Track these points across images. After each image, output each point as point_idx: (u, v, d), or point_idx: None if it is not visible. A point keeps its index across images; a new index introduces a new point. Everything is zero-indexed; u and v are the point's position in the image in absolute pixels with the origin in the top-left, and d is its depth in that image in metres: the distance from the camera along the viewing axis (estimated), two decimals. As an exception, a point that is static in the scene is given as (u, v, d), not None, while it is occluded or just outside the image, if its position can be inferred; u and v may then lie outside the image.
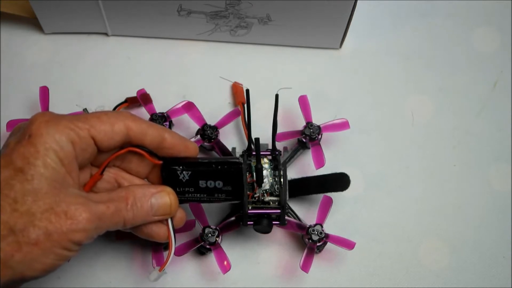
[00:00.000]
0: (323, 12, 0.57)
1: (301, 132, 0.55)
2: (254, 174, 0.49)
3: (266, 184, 0.50)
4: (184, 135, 0.47)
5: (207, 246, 0.51)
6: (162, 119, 0.55)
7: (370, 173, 0.57)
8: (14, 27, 0.63)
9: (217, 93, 0.60)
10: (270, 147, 0.52)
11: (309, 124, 0.55)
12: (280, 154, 0.51)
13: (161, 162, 0.45)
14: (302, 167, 0.57)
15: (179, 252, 0.50)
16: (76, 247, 0.39)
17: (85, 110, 0.58)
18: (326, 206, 0.52)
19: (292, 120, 0.58)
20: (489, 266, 0.54)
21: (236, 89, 0.59)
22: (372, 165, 0.58)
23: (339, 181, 0.53)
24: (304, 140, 0.55)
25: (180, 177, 0.46)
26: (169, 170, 0.46)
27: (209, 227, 0.51)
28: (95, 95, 0.60)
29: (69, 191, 0.39)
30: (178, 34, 0.62)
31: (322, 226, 0.51)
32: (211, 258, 0.52)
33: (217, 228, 0.51)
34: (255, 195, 0.49)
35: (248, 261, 0.54)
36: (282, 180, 0.50)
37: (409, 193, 0.57)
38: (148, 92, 0.58)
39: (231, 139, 0.58)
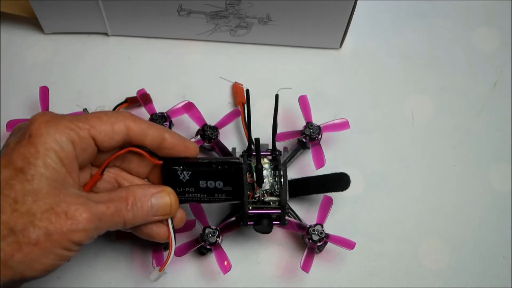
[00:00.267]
0: (323, 12, 0.57)
1: (301, 132, 0.55)
2: (254, 174, 0.49)
3: (266, 184, 0.50)
4: (184, 135, 0.46)
5: (208, 247, 0.51)
6: (162, 119, 0.55)
7: (370, 173, 0.57)
8: (14, 27, 0.63)
9: (217, 93, 0.60)
10: (270, 147, 0.52)
11: (309, 124, 0.55)
12: (280, 154, 0.51)
13: (161, 162, 0.45)
14: (302, 167, 0.57)
15: (180, 253, 0.50)
16: (76, 247, 0.39)
17: (85, 110, 0.58)
18: (326, 206, 0.52)
19: (292, 120, 0.58)
20: (489, 266, 0.54)
21: (236, 89, 0.59)
22: (372, 165, 0.58)
23: (339, 181, 0.53)
24: (304, 140, 0.55)
25: (181, 177, 0.46)
26: (169, 170, 0.45)
27: (209, 227, 0.51)
28: (95, 95, 0.60)
29: (69, 191, 0.39)
30: (178, 34, 0.62)
31: (322, 226, 0.51)
32: (211, 258, 0.52)
33: (218, 228, 0.51)
34: (255, 195, 0.49)
35: (248, 261, 0.54)
36: (282, 180, 0.49)
37: (409, 193, 0.57)
38: (148, 92, 0.58)
39: (231, 139, 0.58)
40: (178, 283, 0.53)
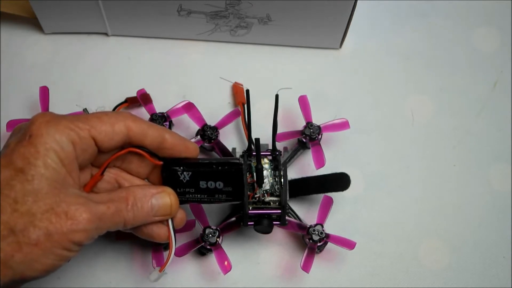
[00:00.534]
0: (323, 12, 0.57)
1: (301, 132, 0.55)
2: (255, 174, 0.49)
3: (267, 185, 0.50)
4: (184, 136, 0.46)
5: (208, 247, 0.51)
6: (162, 119, 0.55)
7: (370, 173, 0.57)
8: (14, 27, 0.63)
9: (217, 93, 0.60)
10: (270, 147, 0.52)
11: (309, 124, 0.55)
12: (280, 154, 0.51)
13: (161, 162, 0.45)
14: (302, 167, 0.57)
15: (180, 253, 0.50)
16: (76, 247, 0.39)
17: (85, 110, 0.58)
18: (327, 206, 0.52)
19: (292, 120, 0.58)
20: (489, 266, 0.54)
21: (236, 89, 0.59)
22: (372, 165, 0.58)
23: (339, 181, 0.53)
24: (304, 140, 0.55)
25: (181, 178, 0.46)
26: (169, 170, 0.45)
27: (209, 227, 0.51)
28: (95, 95, 0.60)
29: (69, 192, 0.39)
30: (178, 34, 0.62)
31: (322, 226, 0.51)
32: (211, 258, 0.52)
33: (218, 228, 0.51)
34: (256, 196, 0.49)
35: (248, 261, 0.54)
36: (282, 180, 0.50)
37: (409, 193, 0.57)
38: (148, 92, 0.58)
39: (231, 139, 0.58)
40: (178, 283, 0.53)
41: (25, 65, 0.61)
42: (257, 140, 0.48)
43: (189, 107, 0.56)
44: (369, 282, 0.53)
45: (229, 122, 0.56)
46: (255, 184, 0.49)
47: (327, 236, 0.51)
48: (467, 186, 0.57)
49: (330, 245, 0.52)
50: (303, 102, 0.56)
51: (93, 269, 0.53)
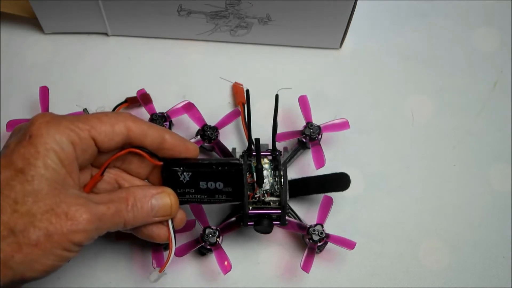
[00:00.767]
0: (323, 12, 0.57)
1: (301, 132, 0.55)
2: (255, 174, 0.49)
3: (267, 185, 0.50)
4: (184, 136, 0.46)
5: (208, 247, 0.51)
6: (162, 119, 0.55)
7: (370, 173, 0.57)
8: (14, 27, 0.63)
9: (217, 93, 0.60)
10: (270, 147, 0.52)
11: (309, 124, 0.55)
12: (280, 154, 0.51)
13: (161, 163, 0.45)
14: (302, 167, 0.57)
15: (180, 253, 0.50)
16: (76, 248, 0.39)
17: (85, 110, 0.58)
18: (327, 206, 0.52)
19: (292, 120, 0.58)
20: (489, 266, 0.54)
21: (236, 89, 0.59)
22: (372, 165, 0.58)
23: (339, 181, 0.53)
24: (304, 140, 0.55)
25: (181, 178, 0.46)
26: (169, 171, 0.45)
27: (209, 227, 0.51)
28: (95, 95, 0.60)
29: (69, 192, 0.39)
30: (178, 34, 0.62)
31: (322, 226, 0.51)
32: (212, 258, 0.52)
33: (218, 228, 0.51)
34: (256, 196, 0.49)
35: (248, 261, 0.54)
36: (282, 180, 0.50)
37: (409, 193, 0.57)
38: (148, 92, 0.58)
39: (231, 139, 0.58)
40: (178, 283, 0.53)
41: (25, 65, 0.61)
42: (257, 140, 0.48)
43: (189, 107, 0.56)
44: (369, 282, 0.53)
45: (229, 122, 0.56)
46: (255, 184, 0.49)
47: (327, 236, 0.51)
48: (467, 186, 0.57)
49: (330, 245, 0.52)
50: (303, 102, 0.56)
51: (93, 269, 0.53)
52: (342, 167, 0.54)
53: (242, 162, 0.46)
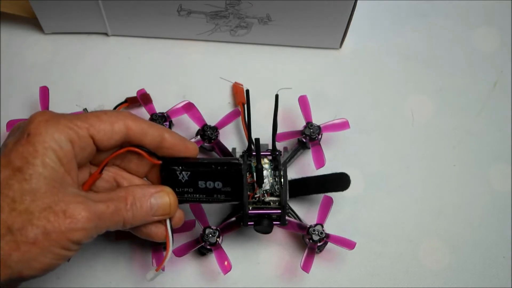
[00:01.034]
0: (323, 12, 0.57)
1: (301, 132, 0.55)
2: (254, 174, 0.49)
3: (267, 185, 0.50)
4: (184, 136, 0.46)
5: (208, 247, 0.51)
6: (162, 119, 0.55)
7: (370, 173, 0.57)
8: (14, 27, 0.63)
9: (217, 93, 0.60)
10: (270, 147, 0.52)
11: (309, 124, 0.55)
12: (280, 154, 0.51)
13: (160, 162, 0.45)
14: (302, 167, 0.57)
15: (180, 253, 0.50)
16: (75, 246, 0.39)
17: (85, 110, 0.58)
18: (327, 206, 0.52)
19: (292, 120, 0.58)
20: (489, 266, 0.54)
21: (236, 89, 0.59)
22: (372, 165, 0.58)
23: (339, 181, 0.53)
24: (304, 140, 0.55)
25: (180, 177, 0.46)
26: (168, 170, 0.45)
27: (209, 227, 0.51)
28: (95, 95, 0.60)
29: (68, 190, 0.39)
30: (178, 34, 0.62)
31: (322, 226, 0.51)
32: (211, 258, 0.52)
33: (218, 228, 0.51)
34: (256, 196, 0.49)
35: (248, 261, 0.54)
36: (282, 180, 0.49)
37: (409, 193, 0.57)
38: (148, 92, 0.58)
39: (231, 139, 0.58)
40: (178, 283, 0.53)
41: (25, 65, 0.61)
42: (257, 140, 0.48)
43: (189, 107, 0.56)
44: (369, 282, 0.53)
45: (229, 122, 0.56)
46: (255, 184, 0.49)
47: (327, 236, 0.51)
48: (467, 186, 0.57)
49: (330, 245, 0.52)
50: (303, 102, 0.56)
51: (93, 269, 0.53)
52: (342, 167, 0.54)
53: (242, 162, 0.46)
